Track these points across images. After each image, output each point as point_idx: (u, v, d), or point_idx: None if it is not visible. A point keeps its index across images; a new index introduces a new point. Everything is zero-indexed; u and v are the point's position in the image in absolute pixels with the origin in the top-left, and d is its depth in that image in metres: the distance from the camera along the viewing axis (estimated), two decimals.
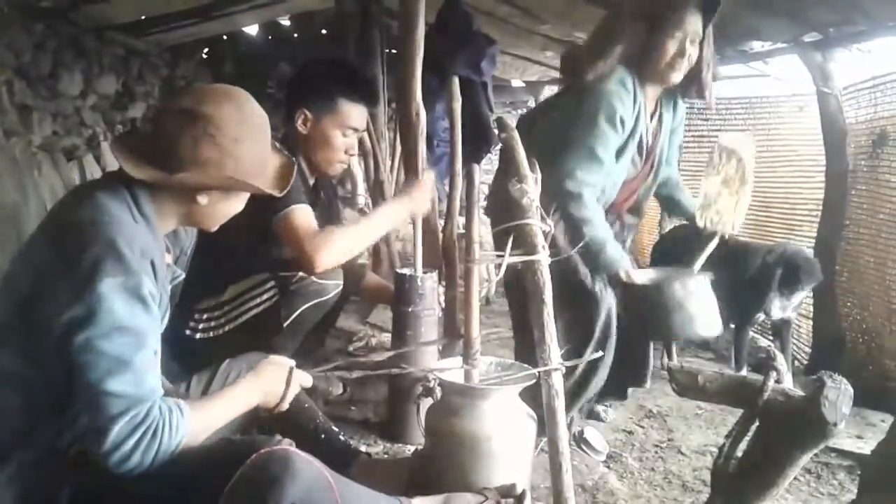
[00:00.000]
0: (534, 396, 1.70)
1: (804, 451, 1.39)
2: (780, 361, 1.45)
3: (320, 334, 2.47)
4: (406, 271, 2.30)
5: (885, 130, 3.27)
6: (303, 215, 1.93)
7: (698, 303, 2.18)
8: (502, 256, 1.67)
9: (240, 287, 2.08)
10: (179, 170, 1.30)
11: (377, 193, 4.40)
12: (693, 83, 2.31)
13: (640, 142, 2.29)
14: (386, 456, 2.22)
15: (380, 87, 4.41)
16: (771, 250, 3.29)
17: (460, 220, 2.35)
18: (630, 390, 2.75)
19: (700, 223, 2.51)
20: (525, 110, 7.35)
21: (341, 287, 2.17)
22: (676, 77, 2.24)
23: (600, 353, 2.13)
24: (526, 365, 1.78)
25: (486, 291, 4.54)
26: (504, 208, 1.80)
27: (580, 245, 2.04)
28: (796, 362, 3.85)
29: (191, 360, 1.84)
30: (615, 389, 2.63)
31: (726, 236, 2.52)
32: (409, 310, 2.24)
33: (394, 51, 4.27)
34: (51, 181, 3.98)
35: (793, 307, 3.33)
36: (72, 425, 1.26)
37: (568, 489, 1.56)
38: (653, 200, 2.69)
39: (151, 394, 1.21)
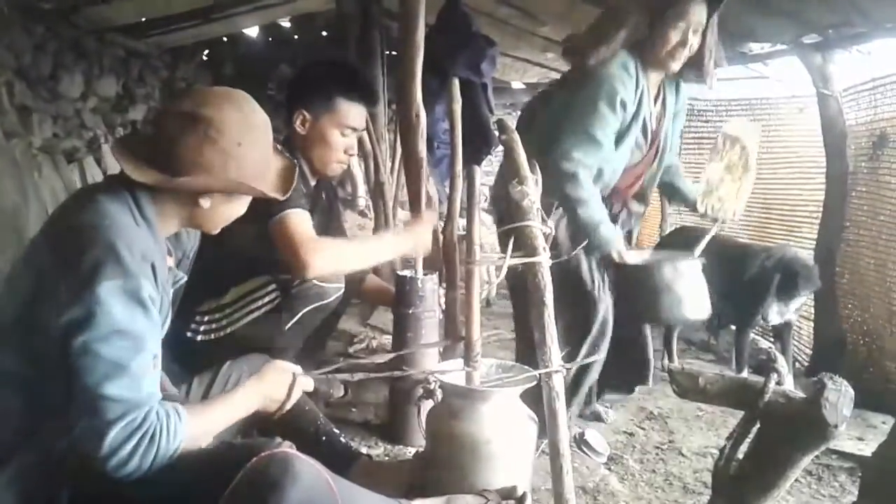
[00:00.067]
0: (535, 398, 1.70)
1: (805, 453, 1.39)
2: (781, 363, 1.45)
3: (321, 337, 2.46)
4: (406, 273, 2.29)
5: (885, 132, 3.28)
6: (299, 220, 1.93)
7: (687, 286, 2.19)
8: (503, 258, 1.67)
9: (241, 289, 2.08)
10: (182, 173, 1.29)
11: (377, 195, 4.39)
12: (693, 69, 2.31)
13: (644, 126, 2.29)
14: (387, 458, 2.22)
15: (380, 88, 4.40)
16: (770, 254, 3.29)
17: (461, 222, 2.35)
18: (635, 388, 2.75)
19: (701, 209, 2.51)
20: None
21: (343, 291, 2.17)
22: (675, 65, 2.24)
23: (594, 358, 2.13)
24: (527, 367, 1.78)
25: (486, 293, 4.54)
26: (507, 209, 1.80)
27: (582, 245, 2.04)
28: (797, 364, 3.85)
29: (192, 362, 1.83)
30: (620, 386, 2.63)
31: (727, 221, 2.53)
32: (410, 312, 2.24)
33: (394, 52, 4.27)
34: (51, 183, 3.98)
35: (791, 312, 3.33)
36: (71, 428, 1.26)
37: (569, 491, 1.56)
38: (653, 200, 2.70)
39: (148, 398, 1.21)
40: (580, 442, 2.39)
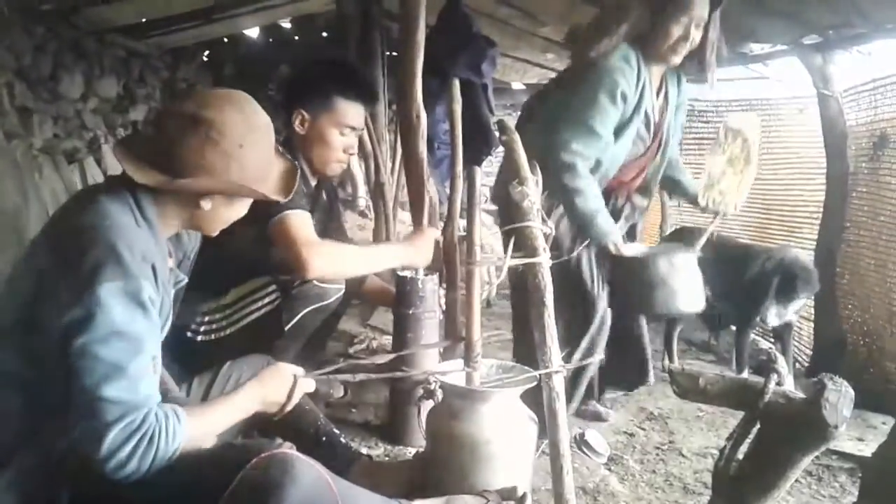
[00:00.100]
0: (535, 399, 1.70)
1: (805, 454, 1.39)
2: (781, 364, 1.45)
3: (322, 338, 2.47)
4: (407, 274, 2.29)
5: (885, 133, 3.28)
6: (299, 221, 1.93)
7: (682, 279, 2.19)
8: (502, 259, 1.67)
9: (242, 290, 2.08)
10: (183, 174, 1.29)
11: (378, 195, 4.40)
12: (694, 62, 2.31)
13: (647, 118, 2.30)
14: (387, 458, 2.22)
15: (380, 89, 4.40)
16: (770, 256, 3.29)
17: (461, 223, 2.35)
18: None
19: (703, 203, 2.51)
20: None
21: (343, 292, 2.17)
22: (676, 59, 2.25)
23: (593, 359, 2.14)
24: (527, 367, 1.78)
25: (487, 294, 4.53)
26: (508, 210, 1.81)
27: (585, 244, 2.05)
28: (797, 365, 3.85)
29: (192, 363, 1.83)
30: (620, 384, 2.63)
31: (728, 214, 2.53)
32: (410, 312, 2.24)
33: (394, 53, 4.27)
34: (52, 184, 3.98)
35: (789, 314, 3.33)
36: (71, 430, 1.26)
37: (569, 491, 1.56)
38: (653, 201, 2.70)
39: (147, 400, 1.21)
40: (580, 442, 2.40)
